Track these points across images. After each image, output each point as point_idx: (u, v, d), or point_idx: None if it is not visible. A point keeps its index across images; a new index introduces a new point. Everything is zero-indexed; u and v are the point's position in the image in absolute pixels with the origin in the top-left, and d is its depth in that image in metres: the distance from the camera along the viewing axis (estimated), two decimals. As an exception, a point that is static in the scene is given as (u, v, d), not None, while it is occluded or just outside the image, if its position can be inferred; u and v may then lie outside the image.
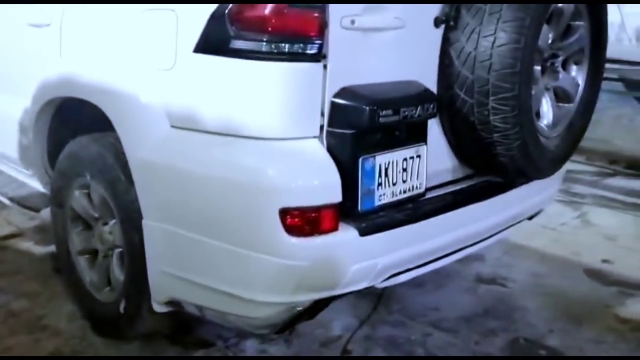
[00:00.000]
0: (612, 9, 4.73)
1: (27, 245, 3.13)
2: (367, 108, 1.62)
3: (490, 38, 1.78)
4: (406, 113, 1.69)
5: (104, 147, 2.09)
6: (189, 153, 1.78)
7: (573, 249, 3.27)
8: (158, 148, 1.83)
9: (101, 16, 2.07)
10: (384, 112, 1.63)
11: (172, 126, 1.82)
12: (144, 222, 1.90)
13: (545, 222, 3.40)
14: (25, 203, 2.72)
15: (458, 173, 2.14)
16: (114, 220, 2.13)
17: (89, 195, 2.24)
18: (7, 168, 2.99)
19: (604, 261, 3.14)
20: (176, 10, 1.75)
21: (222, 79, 1.66)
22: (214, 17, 1.64)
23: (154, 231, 1.88)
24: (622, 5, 4.72)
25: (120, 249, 2.13)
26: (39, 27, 2.32)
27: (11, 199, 2.80)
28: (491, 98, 1.81)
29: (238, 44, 1.59)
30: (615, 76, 4.43)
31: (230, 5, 1.60)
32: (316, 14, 1.56)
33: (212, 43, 1.65)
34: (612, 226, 3.67)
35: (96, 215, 2.25)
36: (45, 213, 2.62)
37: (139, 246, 1.95)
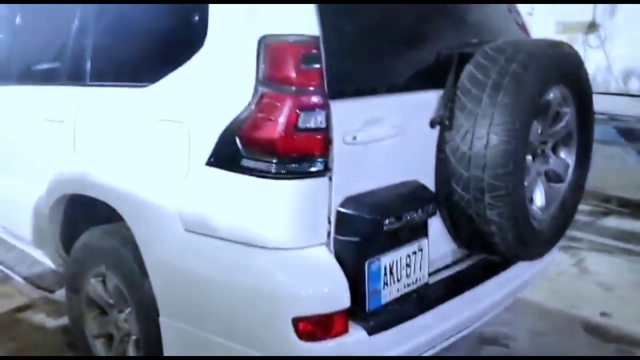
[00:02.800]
0: (598, 53, 4.90)
1: (40, 317, 3.19)
2: (372, 218, 1.73)
3: (483, 140, 1.89)
4: (408, 217, 1.80)
5: (118, 241, 2.19)
6: (202, 257, 1.87)
7: (571, 301, 3.36)
8: (172, 251, 1.93)
9: (115, 118, 2.18)
10: (387, 220, 1.74)
11: (187, 230, 1.92)
12: (160, 319, 1.99)
13: (543, 272, 3.50)
14: (40, 283, 2.80)
15: (457, 254, 2.24)
16: (129, 309, 2.22)
17: (104, 282, 2.33)
18: (20, 243, 3.08)
19: (603, 314, 3.23)
20: (188, 123, 1.86)
21: (233, 192, 1.76)
22: (224, 136, 1.75)
23: (170, 328, 1.97)
24: (607, 50, 4.89)
25: (135, 337, 2.21)
26: (54, 122, 2.43)
27: (25, 279, 2.88)
28: (487, 195, 1.91)
29: (248, 162, 1.70)
30: (604, 117, 4.56)
31: (241, 125, 1.71)
32: (322, 135, 1.67)
33: (223, 159, 1.76)
34: (608, 274, 3.77)
35: (112, 302, 2.33)
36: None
37: (155, 338, 2.03)
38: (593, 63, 4.93)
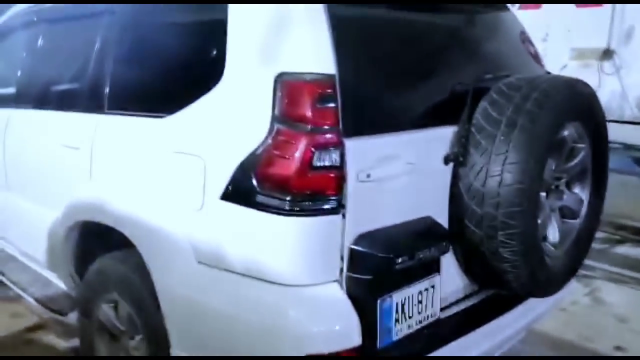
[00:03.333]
0: (613, 80, 4.88)
1: (51, 338, 3.21)
2: (385, 257, 1.73)
3: (497, 178, 1.89)
4: (421, 256, 1.80)
5: (131, 269, 2.20)
6: (214, 290, 1.88)
7: (585, 333, 3.31)
8: (185, 282, 1.94)
9: (131, 147, 2.21)
10: (400, 259, 1.74)
11: (199, 262, 1.93)
12: (171, 350, 1.99)
13: (557, 301, 3.46)
14: (52, 306, 2.83)
15: (470, 288, 2.22)
16: (140, 336, 2.23)
17: (116, 308, 2.34)
18: (34, 264, 3.11)
19: (616, 348, 3.18)
20: (204, 157, 1.88)
21: (246, 227, 1.77)
22: (239, 171, 1.76)
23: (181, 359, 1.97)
24: (622, 76, 4.87)
25: (146, 364, 2.22)
26: (71, 148, 2.47)
27: (37, 300, 2.90)
28: (500, 233, 1.91)
29: (263, 199, 1.71)
30: (619, 146, 4.54)
31: (256, 161, 1.73)
32: (336, 173, 1.68)
33: (237, 194, 1.77)
34: (623, 305, 3.71)
35: (123, 329, 2.34)
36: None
37: (166, 368, 2.03)
38: (608, 90, 4.91)
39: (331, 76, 1.70)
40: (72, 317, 2.67)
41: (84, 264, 2.51)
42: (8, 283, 3.15)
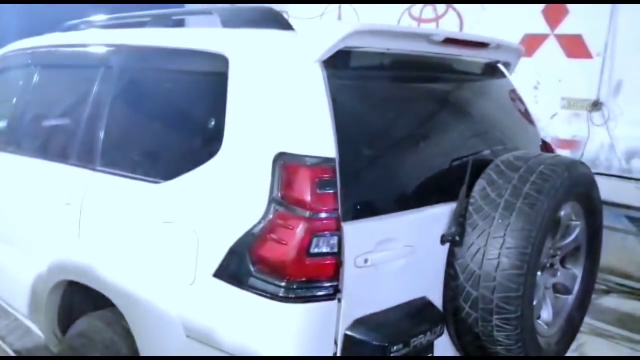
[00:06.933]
0: (601, 130, 4.95)
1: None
2: (380, 345, 1.69)
3: (494, 262, 1.87)
4: (415, 343, 1.77)
5: (117, 334, 2.14)
6: (203, 368, 1.83)
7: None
8: (172, 355, 1.88)
9: (122, 210, 2.15)
10: (395, 347, 1.71)
11: (188, 336, 1.88)
12: None
13: None
14: None
15: (462, 364, 2.20)
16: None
17: (98, 371, 2.27)
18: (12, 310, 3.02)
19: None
20: (198, 231, 1.84)
21: (239, 308, 1.73)
22: (234, 249, 1.73)
23: None
24: (610, 128, 4.94)
25: None
26: (60, 202, 2.40)
27: (17, 352, 2.82)
28: (495, 317, 1.89)
29: (257, 282, 1.68)
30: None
31: (252, 241, 1.69)
32: (333, 259, 1.65)
33: (231, 273, 1.74)
34: (609, 361, 3.71)
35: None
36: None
37: None
38: (597, 141, 4.97)
39: (332, 160, 1.68)
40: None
41: (68, 319, 2.44)
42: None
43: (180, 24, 2.71)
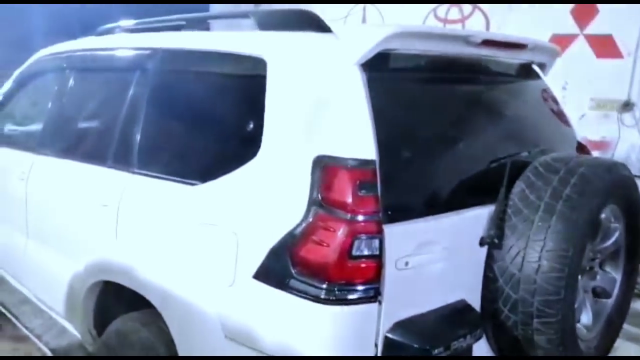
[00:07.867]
0: (632, 131, 4.85)
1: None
2: (421, 348, 1.68)
3: (535, 265, 1.85)
4: (456, 346, 1.75)
5: (154, 334, 2.16)
6: (242, 369, 1.84)
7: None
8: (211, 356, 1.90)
9: (160, 212, 2.17)
10: (436, 350, 1.70)
11: (227, 337, 1.89)
12: None
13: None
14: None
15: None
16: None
17: (135, 370, 2.30)
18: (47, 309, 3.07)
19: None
20: (237, 232, 1.85)
21: (279, 310, 1.74)
22: (275, 251, 1.73)
23: None
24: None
25: None
26: (97, 204, 2.44)
27: (53, 351, 2.86)
28: (535, 320, 1.87)
29: (297, 284, 1.68)
30: None
31: (292, 243, 1.70)
32: (374, 262, 1.65)
33: (271, 275, 1.74)
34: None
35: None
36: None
37: None
38: (628, 142, 4.89)
39: (373, 162, 1.67)
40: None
41: (104, 319, 2.47)
42: (22, 328, 3.10)
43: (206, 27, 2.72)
